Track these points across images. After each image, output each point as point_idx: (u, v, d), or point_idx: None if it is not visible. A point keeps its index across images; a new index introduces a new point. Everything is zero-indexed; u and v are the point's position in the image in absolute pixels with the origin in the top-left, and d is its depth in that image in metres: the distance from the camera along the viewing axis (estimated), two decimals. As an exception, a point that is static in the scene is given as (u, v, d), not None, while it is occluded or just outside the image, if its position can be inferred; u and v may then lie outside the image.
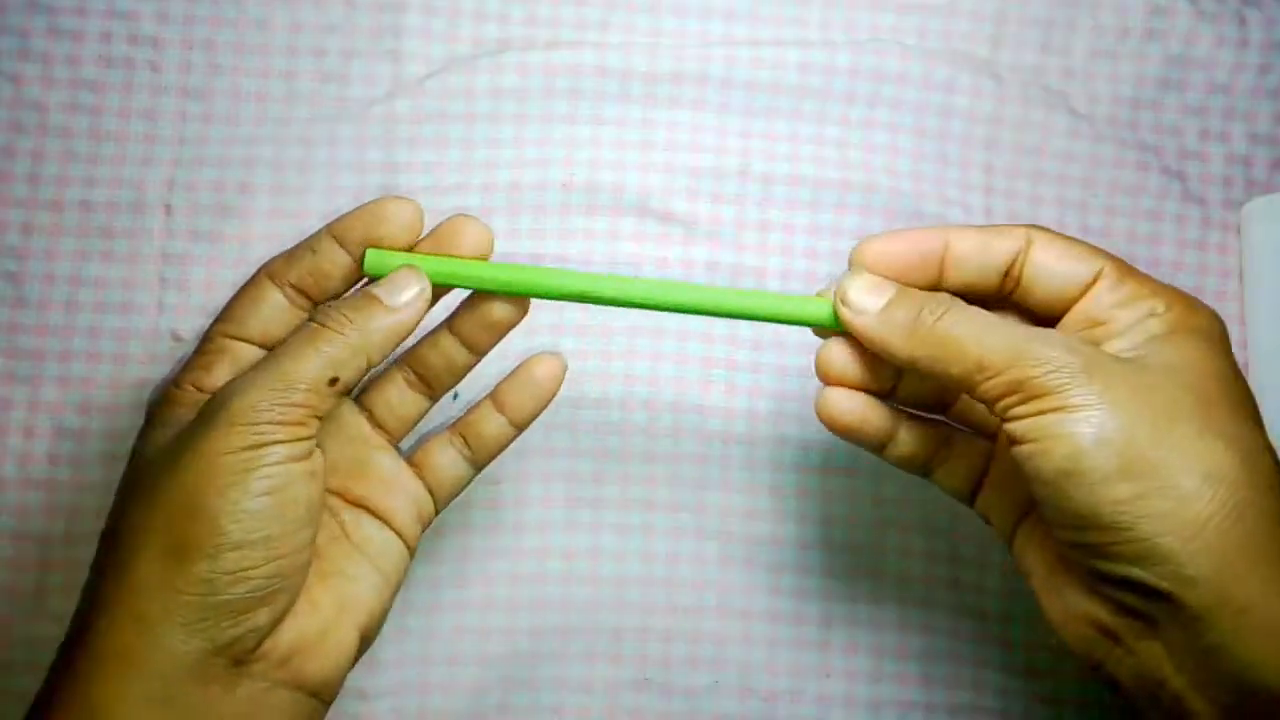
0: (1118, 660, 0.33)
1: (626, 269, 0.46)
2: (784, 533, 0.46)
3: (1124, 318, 0.34)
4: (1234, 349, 0.47)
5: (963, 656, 0.46)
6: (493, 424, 0.40)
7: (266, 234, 0.45)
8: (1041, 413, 0.32)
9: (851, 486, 0.46)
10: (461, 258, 0.37)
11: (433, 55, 0.47)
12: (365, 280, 0.38)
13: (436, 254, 0.37)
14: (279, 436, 0.33)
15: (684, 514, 0.46)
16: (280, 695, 0.34)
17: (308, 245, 0.38)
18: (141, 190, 0.45)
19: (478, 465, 0.40)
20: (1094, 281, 0.35)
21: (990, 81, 0.48)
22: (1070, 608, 0.34)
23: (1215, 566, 0.31)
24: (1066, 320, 0.35)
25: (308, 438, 0.34)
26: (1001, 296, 0.37)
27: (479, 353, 0.39)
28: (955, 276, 0.36)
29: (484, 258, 0.37)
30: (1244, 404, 0.33)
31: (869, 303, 0.36)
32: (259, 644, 0.34)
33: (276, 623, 0.34)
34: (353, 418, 0.39)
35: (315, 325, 0.35)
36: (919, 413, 0.38)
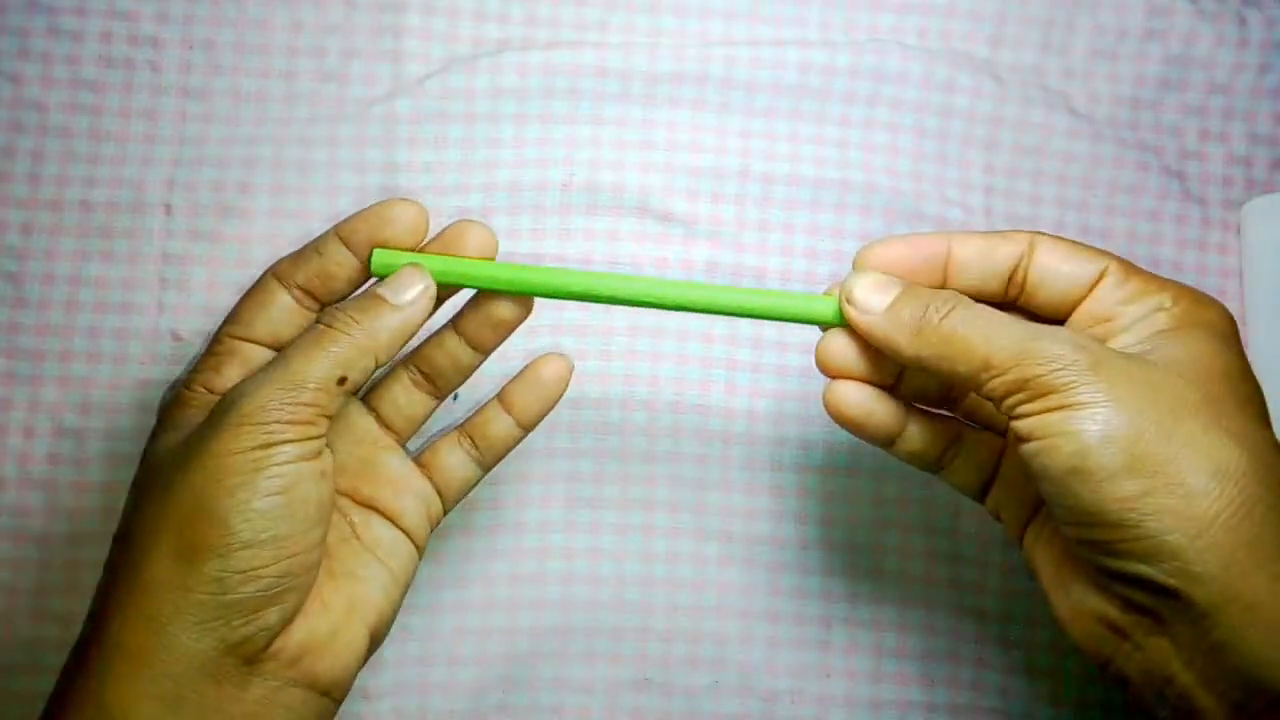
0: (1126, 657, 0.33)
1: (626, 269, 0.46)
2: (784, 533, 0.46)
3: (1131, 313, 0.34)
4: (1235, 348, 0.48)
5: (963, 656, 0.46)
6: (500, 425, 0.40)
7: (266, 234, 0.45)
8: (1048, 410, 0.32)
9: (851, 486, 0.46)
10: (466, 257, 0.37)
11: (433, 55, 0.47)
12: (373, 281, 0.38)
13: (442, 254, 0.37)
14: (289, 436, 0.34)
15: (684, 514, 0.46)
16: (292, 694, 0.35)
17: (314, 247, 0.38)
18: (141, 190, 0.45)
19: (485, 466, 0.41)
20: (1099, 280, 0.35)
21: (990, 81, 0.48)
22: (1078, 604, 0.34)
23: (1222, 563, 0.31)
24: (1073, 320, 0.35)
25: (317, 437, 0.34)
26: (1006, 302, 0.37)
27: (484, 352, 0.39)
28: (958, 282, 0.37)
29: (489, 259, 0.38)
30: (1251, 400, 0.33)
31: (875, 301, 0.36)
32: (270, 643, 0.34)
33: (287, 622, 0.34)
34: (361, 418, 0.40)
35: (322, 326, 0.35)
36: (929, 409, 0.38)
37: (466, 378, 0.40)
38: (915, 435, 0.37)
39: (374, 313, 0.36)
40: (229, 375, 0.37)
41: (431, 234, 0.38)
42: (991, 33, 0.48)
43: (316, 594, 0.35)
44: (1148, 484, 0.31)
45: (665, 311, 0.38)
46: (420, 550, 0.39)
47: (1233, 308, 0.47)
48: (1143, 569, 0.31)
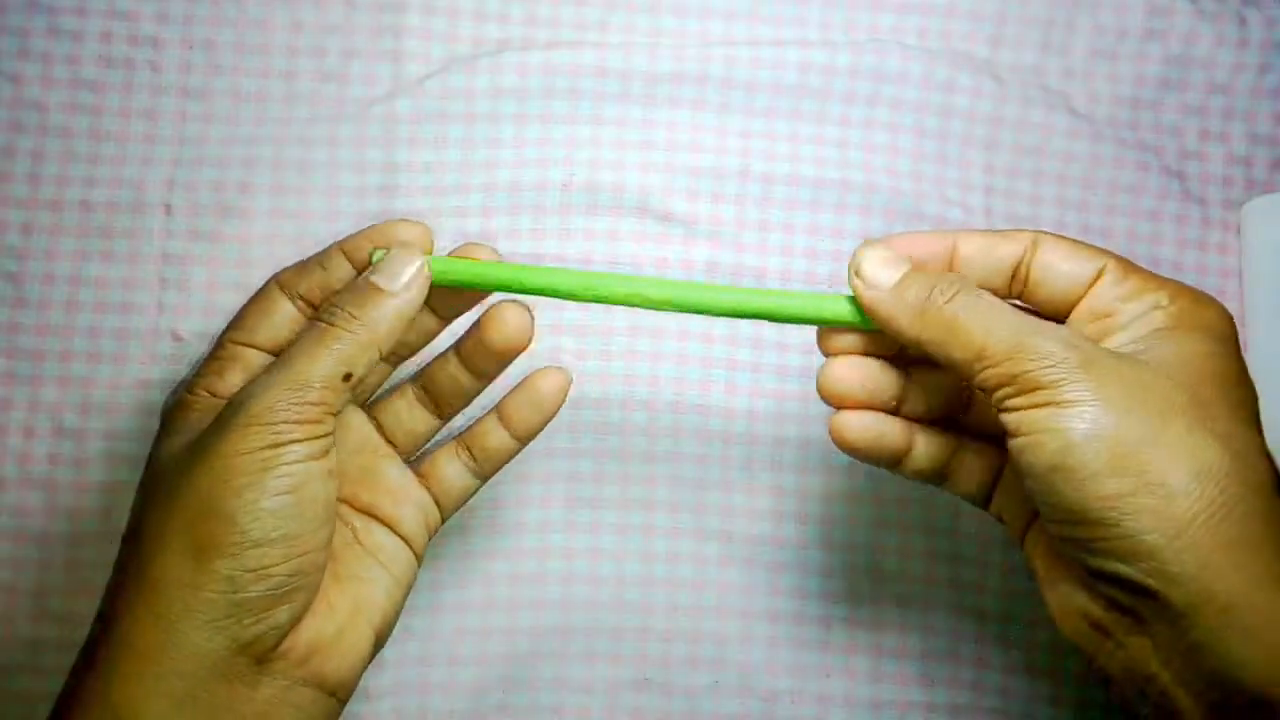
0: (1109, 655, 0.34)
1: (626, 269, 0.46)
2: (784, 533, 0.46)
3: (1129, 310, 0.34)
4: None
5: (963, 656, 0.46)
6: (497, 437, 0.40)
7: (266, 234, 0.45)
8: (1035, 406, 0.33)
9: (851, 486, 0.46)
10: (466, 258, 0.38)
11: (433, 55, 0.47)
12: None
13: (440, 256, 0.37)
14: (297, 435, 0.34)
15: (684, 514, 0.46)
16: (301, 694, 0.35)
17: (318, 260, 0.38)
18: (141, 190, 0.45)
19: (483, 477, 0.41)
20: (1098, 277, 0.35)
21: (990, 81, 0.48)
22: (1065, 602, 0.35)
23: (1199, 564, 0.31)
24: (1073, 317, 0.36)
25: (325, 435, 0.35)
26: (1009, 298, 0.37)
27: (484, 379, 0.40)
28: None
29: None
30: (1242, 404, 0.34)
31: (883, 276, 0.36)
32: (279, 642, 0.34)
33: (296, 621, 0.34)
34: (362, 427, 0.40)
35: (323, 324, 0.35)
36: (930, 425, 0.38)
37: (468, 402, 0.40)
38: (921, 454, 0.38)
39: (372, 303, 0.36)
40: (231, 380, 0.37)
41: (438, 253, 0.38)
42: (991, 33, 0.48)
43: (323, 595, 0.36)
44: (1129, 483, 0.31)
45: (665, 312, 0.38)
46: (419, 557, 0.39)
47: (1232, 308, 0.47)
48: (1121, 568, 0.32)
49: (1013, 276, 0.36)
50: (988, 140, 0.48)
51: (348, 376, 0.35)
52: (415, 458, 0.41)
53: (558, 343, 0.46)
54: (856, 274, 0.36)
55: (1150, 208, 0.48)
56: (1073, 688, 0.45)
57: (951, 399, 0.38)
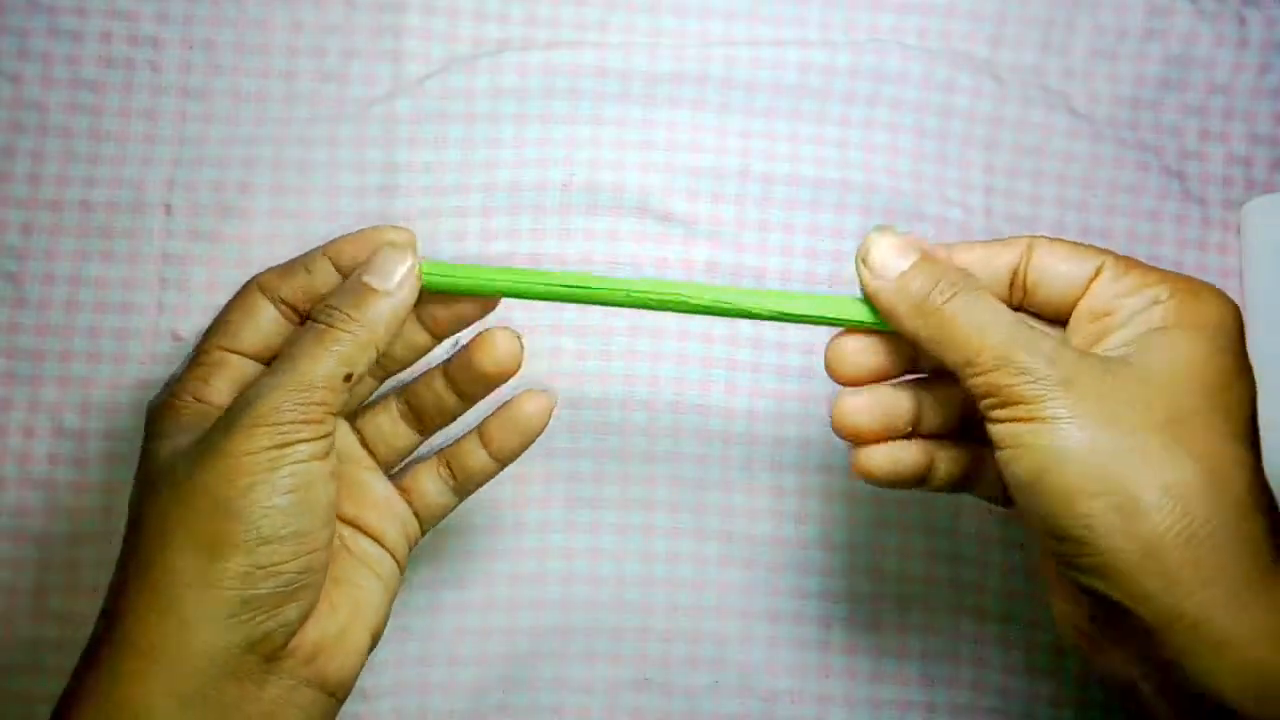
0: (1100, 662, 0.34)
1: (626, 269, 0.46)
2: (784, 533, 0.46)
3: (1128, 306, 0.34)
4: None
5: (963, 656, 0.46)
6: (477, 458, 0.40)
7: (266, 234, 0.45)
8: (1016, 420, 0.33)
9: (851, 487, 0.46)
10: (463, 264, 0.38)
11: (433, 55, 0.47)
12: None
13: (434, 260, 0.37)
14: (303, 435, 0.34)
15: (684, 514, 0.46)
16: (305, 694, 0.35)
17: (302, 264, 0.38)
18: (141, 190, 0.45)
19: (462, 495, 0.41)
20: (1096, 276, 0.35)
21: (990, 81, 0.48)
22: (1058, 607, 0.35)
23: (1169, 583, 0.31)
24: (1074, 317, 0.36)
25: (328, 435, 0.35)
26: (1012, 308, 0.36)
27: (469, 401, 0.40)
28: None
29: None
30: (1233, 412, 0.33)
31: (891, 266, 0.35)
32: (287, 640, 0.34)
33: (304, 619, 0.35)
34: (345, 438, 0.40)
35: (322, 325, 0.36)
36: (946, 437, 0.38)
37: (451, 421, 0.40)
38: (942, 470, 0.38)
39: (367, 304, 0.36)
40: (217, 386, 0.37)
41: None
42: (991, 33, 0.48)
43: (325, 596, 0.36)
44: (1101, 502, 0.31)
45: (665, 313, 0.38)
46: (401, 567, 0.39)
47: (1232, 308, 0.47)
48: (1097, 583, 0.32)
49: (1011, 284, 0.36)
50: (988, 140, 0.48)
51: (348, 376, 0.35)
52: (396, 471, 0.41)
53: (558, 343, 0.46)
54: (864, 261, 0.36)
55: (1150, 208, 0.48)
56: (1073, 688, 0.45)
57: (967, 408, 0.38)
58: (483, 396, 0.40)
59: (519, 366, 0.39)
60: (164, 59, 0.46)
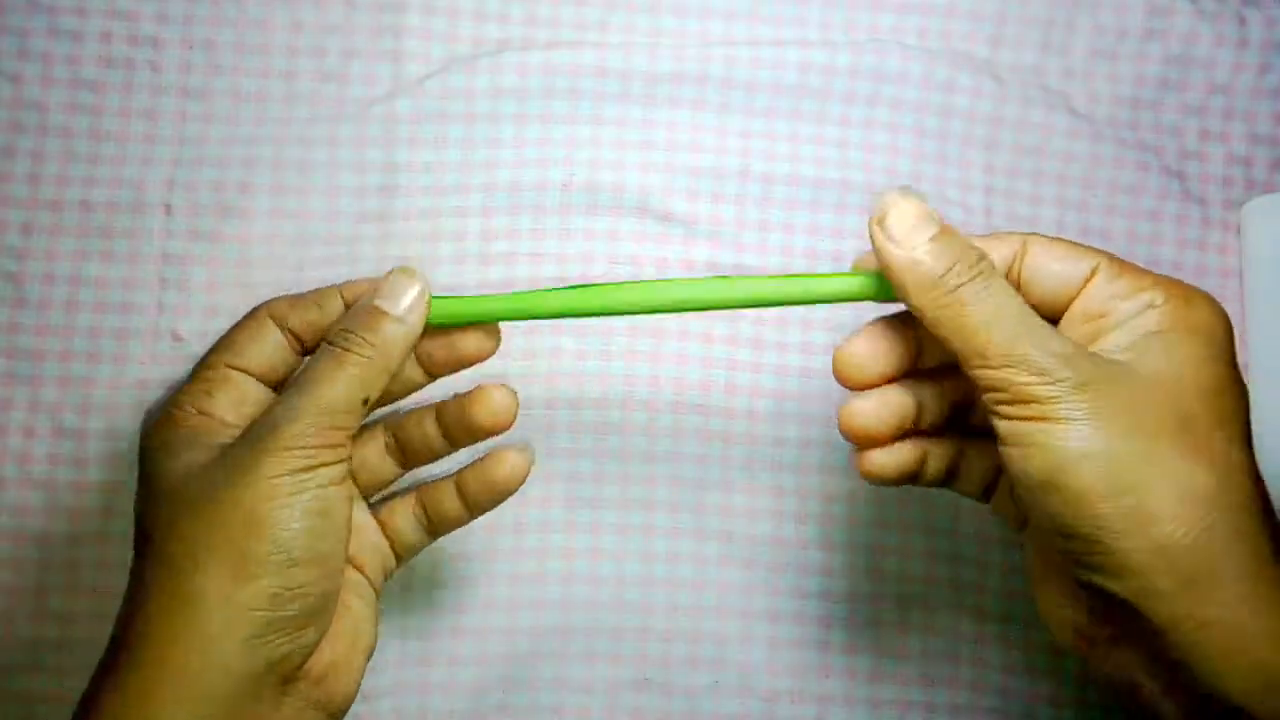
0: (1098, 661, 0.34)
1: (626, 269, 0.46)
2: (784, 533, 0.46)
3: (1123, 309, 0.34)
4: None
5: (962, 656, 0.46)
6: (451, 505, 0.40)
7: (266, 234, 0.45)
8: (1028, 419, 0.33)
9: (851, 487, 0.46)
10: (478, 296, 0.38)
11: (433, 55, 0.47)
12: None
13: (438, 295, 0.38)
14: (325, 459, 0.35)
15: (684, 514, 0.46)
16: (311, 716, 0.36)
17: (314, 299, 0.39)
18: (141, 190, 0.45)
19: (434, 536, 0.40)
20: (1091, 277, 0.35)
21: (990, 81, 0.48)
22: (1054, 608, 0.35)
23: (1182, 584, 0.31)
24: (1067, 317, 0.35)
25: (347, 458, 0.36)
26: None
27: (456, 446, 0.40)
28: None
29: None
30: (1231, 417, 0.33)
31: (908, 235, 0.34)
32: (304, 662, 0.35)
33: (319, 641, 0.35)
34: None
35: (339, 350, 0.36)
36: (934, 432, 0.38)
37: (434, 460, 0.40)
38: (932, 465, 0.38)
39: (380, 329, 0.36)
40: (220, 400, 0.37)
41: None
42: (991, 33, 0.48)
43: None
44: (1117, 504, 0.31)
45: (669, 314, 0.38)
46: (378, 597, 0.39)
47: (1232, 308, 0.47)
48: (1106, 583, 0.32)
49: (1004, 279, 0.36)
50: (988, 140, 0.48)
51: (365, 400, 0.36)
52: (374, 502, 0.40)
53: (558, 343, 0.46)
54: (880, 223, 0.34)
55: (1150, 208, 0.48)
56: (1073, 688, 0.45)
57: (957, 402, 0.38)
58: (471, 444, 0.40)
59: (512, 422, 0.39)
60: (164, 59, 0.46)
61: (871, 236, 0.35)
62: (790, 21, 0.48)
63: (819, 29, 0.48)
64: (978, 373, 0.33)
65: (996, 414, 0.33)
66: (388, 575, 0.40)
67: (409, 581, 0.45)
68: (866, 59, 0.47)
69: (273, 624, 0.34)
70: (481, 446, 0.40)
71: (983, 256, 0.34)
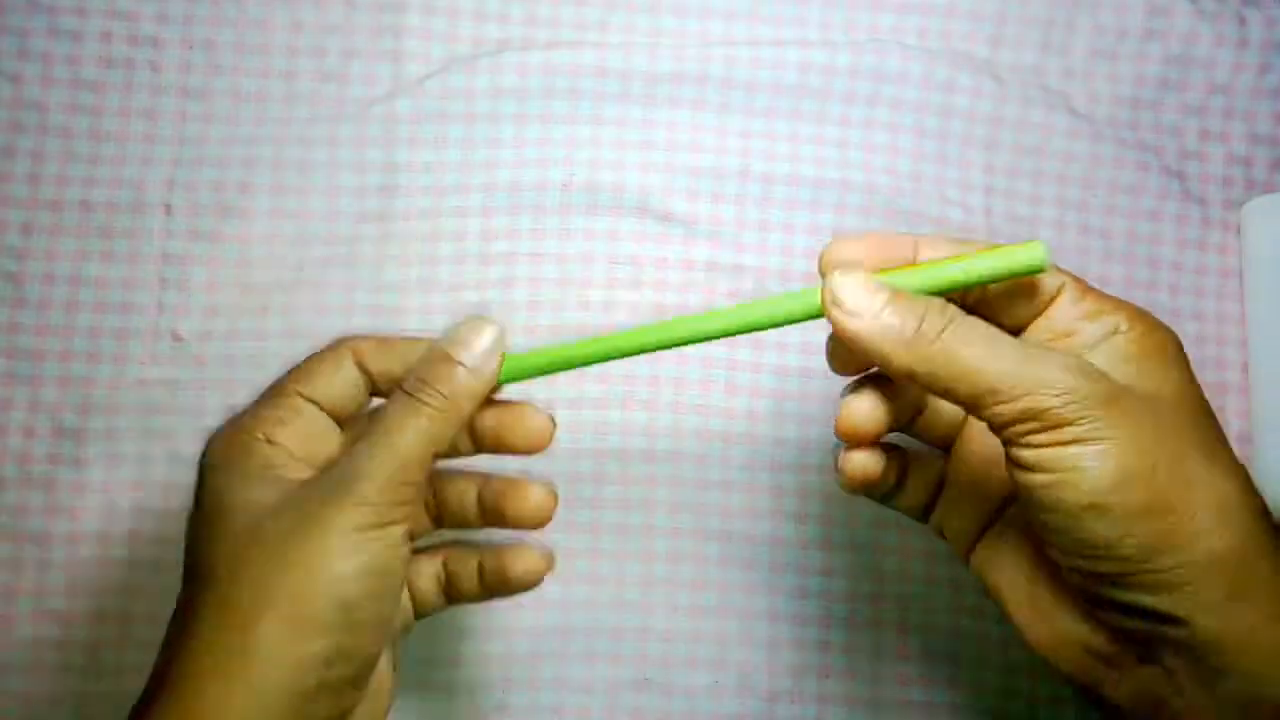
0: (1115, 684, 0.34)
1: (626, 269, 0.46)
2: (784, 533, 0.46)
3: (1090, 331, 0.34)
4: (1234, 349, 0.48)
5: (962, 656, 0.46)
6: (471, 581, 0.38)
7: (266, 234, 0.45)
8: (1061, 444, 0.32)
9: (851, 486, 0.46)
10: (552, 350, 0.36)
11: (433, 55, 0.47)
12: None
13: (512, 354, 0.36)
14: (394, 517, 0.33)
15: (684, 514, 0.46)
16: None
17: (401, 350, 0.36)
18: (141, 190, 0.45)
19: (450, 603, 0.39)
20: (1056, 295, 0.34)
21: (990, 81, 0.48)
22: (1060, 633, 0.34)
23: (1225, 593, 0.31)
24: (1030, 331, 0.35)
25: (411, 516, 0.34)
26: (966, 307, 0.35)
27: (491, 525, 0.38)
28: None
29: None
30: (1218, 434, 0.34)
31: (865, 304, 0.33)
32: None
33: (358, 704, 0.34)
34: None
35: (414, 401, 0.34)
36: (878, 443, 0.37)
37: (462, 528, 0.39)
38: (890, 474, 0.37)
39: (453, 380, 0.35)
40: (292, 430, 0.35)
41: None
42: (991, 33, 0.48)
43: None
44: (1163, 522, 0.31)
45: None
46: (395, 652, 0.38)
47: (1233, 308, 0.48)
48: (1149, 600, 0.32)
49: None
50: (988, 140, 0.48)
51: (436, 455, 0.34)
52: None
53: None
54: (834, 304, 0.34)
55: (1150, 208, 0.48)
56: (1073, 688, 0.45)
57: (904, 412, 0.37)
58: (497, 525, 0.38)
59: (549, 520, 0.37)
60: (164, 59, 0.46)
61: (832, 320, 0.34)
62: (790, 21, 0.48)
63: (819, 29, 0.48)
64: (996, 410, 0.32)
65: (1025, 445, 0.32)
66: (406, 632, 0.39)
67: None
68: (866, 59, 0.47)
69: (324, 685, 0.32)
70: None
71: (945, 304, 0.33)
